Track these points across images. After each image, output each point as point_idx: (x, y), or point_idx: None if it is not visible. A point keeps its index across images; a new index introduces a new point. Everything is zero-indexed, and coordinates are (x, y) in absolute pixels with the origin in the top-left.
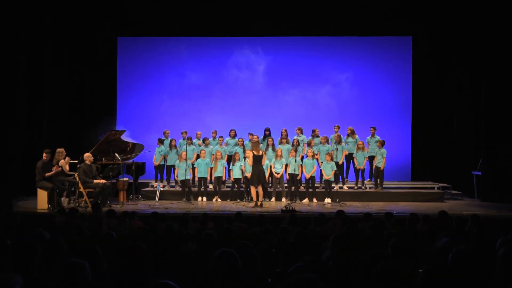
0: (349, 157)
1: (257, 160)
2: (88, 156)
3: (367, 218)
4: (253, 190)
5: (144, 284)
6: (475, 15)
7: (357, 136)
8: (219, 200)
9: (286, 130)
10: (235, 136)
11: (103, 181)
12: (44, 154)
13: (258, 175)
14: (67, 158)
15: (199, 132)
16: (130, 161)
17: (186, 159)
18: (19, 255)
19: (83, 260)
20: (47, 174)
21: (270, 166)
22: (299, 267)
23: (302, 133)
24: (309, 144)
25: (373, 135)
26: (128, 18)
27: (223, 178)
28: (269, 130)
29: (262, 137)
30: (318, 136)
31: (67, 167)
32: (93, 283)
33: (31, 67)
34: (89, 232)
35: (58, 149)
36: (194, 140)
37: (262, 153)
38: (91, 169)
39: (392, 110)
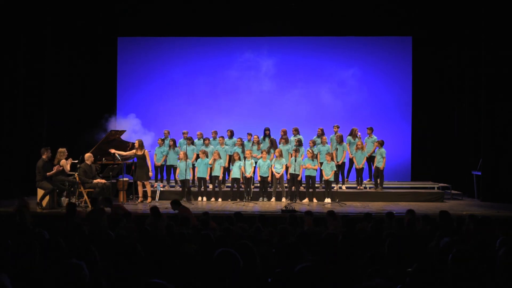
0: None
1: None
2: (89, 157)
3: (367, 218)
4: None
5: (137, 283)
6: (474, 14)
7: (360, 136)
8: (220, 200)
9: (285, 131)
10: (232, 136)
11: (103, 181)
12: (45, 154)
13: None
14: (69, 160)
15: (199, 132)
16: (130, 161)
17: (186, 159)
18: (19, 255)
19: (80, 261)
20: (48, 174)
21: (271, 166)
22: (305, 267)
23: (298, 133)
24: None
25: (370, 135)
26: (128, 18)
27: (220, 177)
28: (269, 130)
29: (262, 136)
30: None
31: (68, 167)
32: (90, 284)
33: (31, 67)
34: (87, 232)
35: (60, 149)
36: (196, 140)
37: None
38: (91, 169)
39: (392, 110)
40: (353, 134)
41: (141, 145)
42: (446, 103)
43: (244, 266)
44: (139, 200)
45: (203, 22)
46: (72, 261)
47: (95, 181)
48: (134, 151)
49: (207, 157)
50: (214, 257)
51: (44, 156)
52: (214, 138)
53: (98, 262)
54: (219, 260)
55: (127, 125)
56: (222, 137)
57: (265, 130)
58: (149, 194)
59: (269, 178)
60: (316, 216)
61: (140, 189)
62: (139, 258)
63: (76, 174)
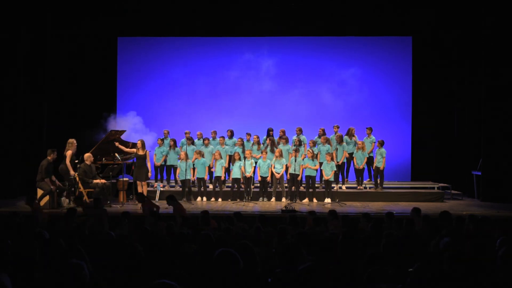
0: (350, 157)
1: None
2: (88, 157)
3: (367, 218)
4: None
5: (142, 284)
6: (474, 14)
7: (355, 137)
8: (220, 200)
9: (284, 131)
10: (232, 136)
11: (103, 181)
12: (50, 155)
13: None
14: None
15: (199, 132)
16: (130, 161)
17: (186, 159)
18: (19, 255)
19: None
20: (45, 179)
21: (271, 166)
22: (308, 267)
23: (301, 133)
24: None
25: (368, 135)
26: (128, 18)
27: (222, 177)
28: (272, 130)
29: (265, 136)
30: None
31: (68, 161)
32: (90, 283)
33: (31, 67)
34: (88, 232)
35: (70, 140)
36: (196, 140)
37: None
38: (91, 169)
39: (392, 110)
40: (349, 133)
41: (143, 145)
42: (446, 103)
43: (244, 266)
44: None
45: (203, 22)
46: (72, 261)
47: (95, 181)
48: (135, 149)
49: (202, 157)
50: (214, 257)
51: (49, 157)
52: (214, 138)
53: (87, 262)
54: (219, 260)
55: (128, 125)
56: (223, 137)
57: (268, 130)
58: (145, 194)
59: (269, 178)
60: (316, 216)
61: (139, 189)
62: (139, 258)
63: (76, 174)
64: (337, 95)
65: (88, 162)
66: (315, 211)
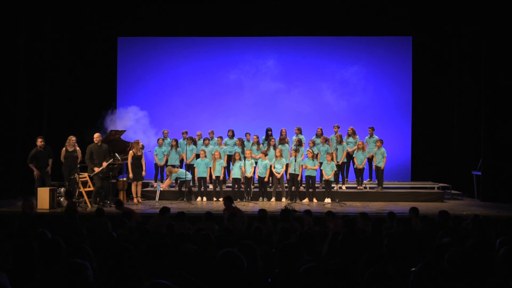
0: (350, 157)
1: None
2: (98, 136)
3: (364, 218)
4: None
5: (139, 284)
6: (475, 14)
7: (357, 136)
8: (220, 199)
9: (285, 130)
10: (233, 136)
11: (104, 164)
12: (39, 140)
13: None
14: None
15: (199, 132)
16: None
17: (185, 159)
18: (19, 255)
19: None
20: (50, 186)
21: (271, 166)
22: (312, 266)
23: (301, 132)
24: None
25: (371, 135)
26: (128, 18)
27: (221, 177)
28: (271, 130)
29: (264, 137)
30: (318, 136)
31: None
32: (94, 284)
33: (31, 67)
34: (86, 232)
35: (70, 136)
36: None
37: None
38: (100, 151)
39: (392, 110)
40: (348, 133)
41: (142, 146)
42: (446, 103)
43: (246, 266)
44: (140, 200)
45: (204, 22)
46: (76, 260)
47: (95, 169)
48: (132, 152)
49: (206, 157)
50: (217, 257)
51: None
52: (212, 138)
53: (93, 262)
54: (223, 260)
55: (129, 125)
56: (221, 137)
57: (267, 130)
58: (139, 194)
59: (266, 179)
60: (315, 215)
61: (136, 189)
62: (139, 258)
63: (76, 174)
64: (337, 95)
65: (97, 142)
66: (312, 211)
